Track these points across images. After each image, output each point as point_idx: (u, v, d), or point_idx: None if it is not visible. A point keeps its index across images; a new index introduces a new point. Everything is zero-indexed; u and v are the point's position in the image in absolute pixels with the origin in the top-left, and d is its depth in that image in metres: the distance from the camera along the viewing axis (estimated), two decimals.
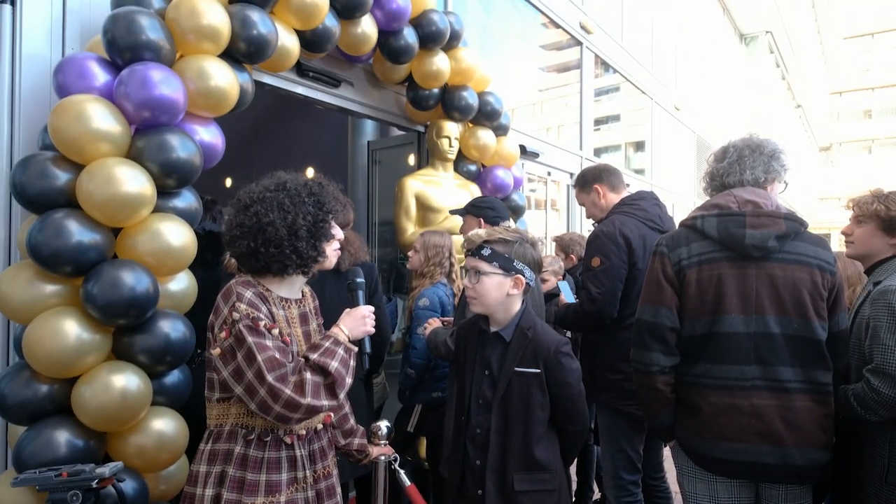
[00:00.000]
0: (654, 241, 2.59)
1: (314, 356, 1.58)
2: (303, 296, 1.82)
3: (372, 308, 1.82)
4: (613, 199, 2.83)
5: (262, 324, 1.55)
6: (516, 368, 1.92)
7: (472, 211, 3.00)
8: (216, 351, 1.56)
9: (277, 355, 1.52)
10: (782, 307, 1.88)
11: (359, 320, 1.75)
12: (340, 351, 1.63)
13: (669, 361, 1.97)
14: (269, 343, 1.54)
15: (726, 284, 1.91)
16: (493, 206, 3.00)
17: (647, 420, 2.20)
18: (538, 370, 1.91)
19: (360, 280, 1.89)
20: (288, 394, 1.49)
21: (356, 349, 1.70)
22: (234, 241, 1.64)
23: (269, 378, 1.48)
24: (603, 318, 2.69)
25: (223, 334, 1.55)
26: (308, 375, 1.54)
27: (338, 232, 1.78)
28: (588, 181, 2.90)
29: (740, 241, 1.90)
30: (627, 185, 3.00)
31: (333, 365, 1.58)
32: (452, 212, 3.28)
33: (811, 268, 1.91)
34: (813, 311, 1.89)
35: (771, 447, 1.85)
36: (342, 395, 1.59)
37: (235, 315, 1.53)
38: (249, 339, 1.51)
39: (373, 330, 1.78)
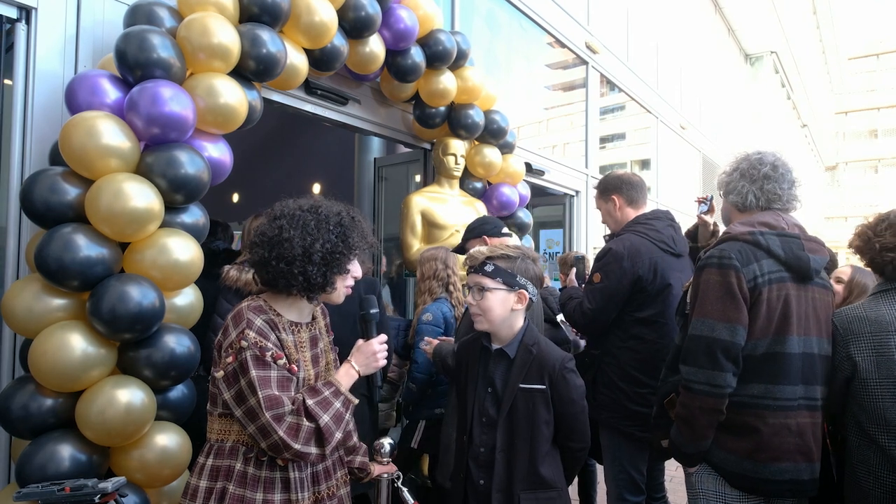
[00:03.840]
0: (666, 265, 2.58)
1: (311, 402, 1.58)
2: (313, 318, 1.82)
3: (384, 339, 1.82)
4: (630, 213, 2.79)
5: (268, 354, 1.56)
6: (521, 385, 1.90)
7: (472, 234, 2.89)
8: (220, 373, 1.56)
9: (277, 392, 1.53)
10: (819, 329, 1.97)
11: (370, 356, 1.76)
12: (337, 404, 1.62)
13: (735, 382, 1.89)
14: (273, 375, 1.55)
15: (792, 305, 1.91)
16: (486, 222, 2.92)
17: (688, 446, 1.96)
18: (543, 386, 1.90)
19: (375, 311, 1.87)
20: (280, 435, 1.50)
21: (356, 401, 1.68)
22: (253, 248, 1.66)
23: (266, 416, 1.50)
24: (589, 332, 2.76)
25: (230, 358, 1.55)
26: (305, 421, 1.54)
27: (355, 269, 1.77)
28: (608, 190, 2.85)
29: (806, 264, 1.93)
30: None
31: (324, 419, 1.57)
32: (455, 250, 3.11)
33: (829, 292, 2.04)
34: (830, 333, 2.02)
35: (807, 464, 1.92)
36: (329, 449, 1.58)
37: (244, 343, 1.54)
38: (253, 371, 1.52)
39: (384, 363, 1.78)
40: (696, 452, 1.97)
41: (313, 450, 1.55)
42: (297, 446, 1.52)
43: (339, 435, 1.60)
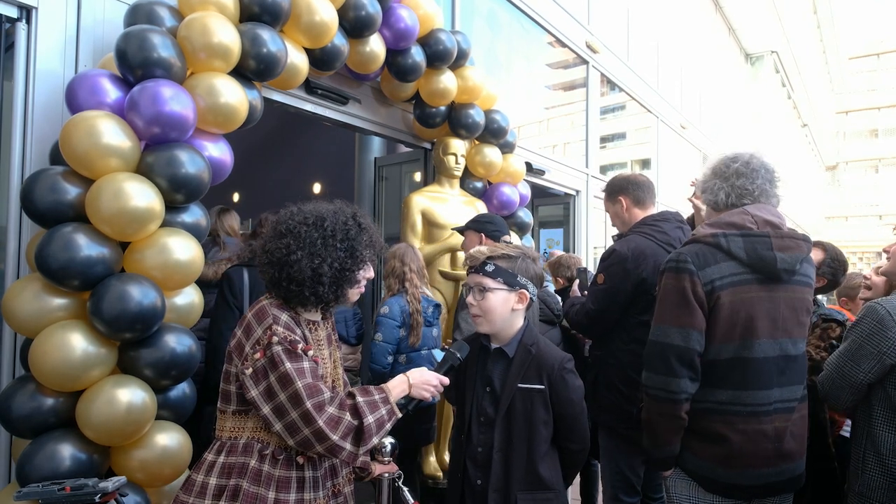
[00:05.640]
0: None
1: (361, 399, 1.58)
2: (323, 317, 1.82)
3: (447, 382, 1.83)
4: (637, 213, 2.76)
5: (299, 346, 1.56)
6: (519, 385, 1.90)
7: (474, 227, 3.05)
8: (249, 370, 1.55)
9: (313, 380, 1.53)
10: (798, 328, 1.92)
11: (426, 384, 1.76)
12: (383, 410, 1.62)
13: (694, 388, 1.86)
14: (306, 367, 1.55)
15: (757, 308, 1.84)
16: (492, 221, 3.06)
17: (654, 451, 1.97)
18: (542, 386, 1.89)
19: (458, 356, 1.92)
20: (320, 425, 1.49)
21: (399, 415, 1.68)
22: (264, 268, 1.65)
23: (308, 403, 1.49)
24: (591, 334, 2.77)
25: (257, 355, 1.55)
26: (347, 416, 1.54)
27: (368, 272, 1.77)
28: (614, 191, 2.83)
29: (772, 265, 1.85)
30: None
31: (369, 419, 1.56)
32: (454, 229, 3.35)
33: (809, 288, 1.97)
34: (806, 330, 1.97)
35: (787, 465, 1.88)
36: (362, 450, 1.58)
37: (274, 338, 1.54)
38: (288, 363, 1.52)
39: (429, 398, 1.78)
40: (664, 457, 1.94)
41: (348, 446, 1.54)
42: (334, 437, 1.51)
43: (375, 440, 1.60)
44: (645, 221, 2.72)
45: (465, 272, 3.16)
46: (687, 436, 1.91)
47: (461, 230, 3.17)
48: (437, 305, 3.42)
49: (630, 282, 2.55)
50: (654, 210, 2.81)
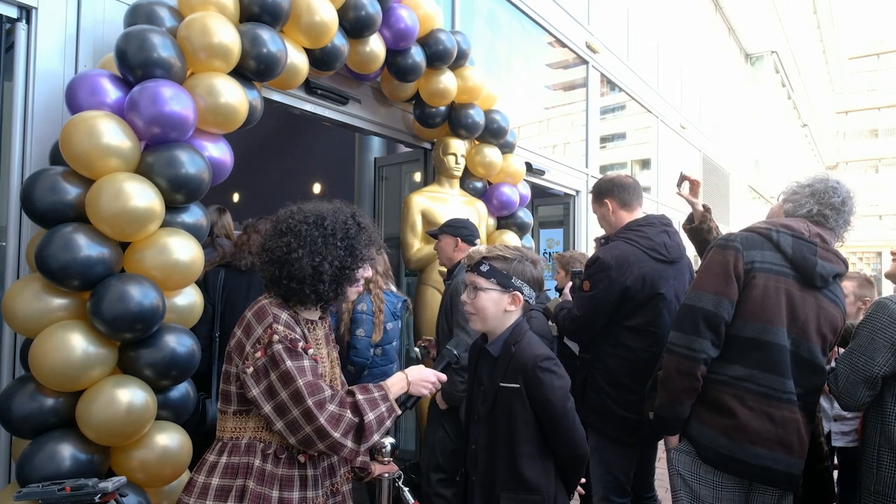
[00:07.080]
0: (656, 274, 2.59)
1: (360, 397, 1.60)
2: (321, 316, 1.83)
3: (444, 378, 1.86)
4: (624, 216, 2.75)
5: (299, 345, 1.58)
6: (501, 384, 1.90)
7: (449, 231, 3.18)
8: (250, 370, 1.56)
9: (314, 379, 1.55)
10: (818, 337, 2.03)
11: (424, 381, 1.79)
12: (383, 407, 1.63)
13: (714, 353, 2.01)
14: (306, 365, 1.56)
15: (786, 300, 2.00)
16: (466, 226, 3.19)
17: (664, 409, 2.08)
18: (518, 385, 1.88)
19: (455, 352, 1.98)
20: (321, 422, 1.51)
21: (398, 412, 1.69)
22: (264, 266, 1.67)
23: (309, 401, 1.51)
24: (577, 339, 2.84)
25: (258, 353, 1.56)
26: (348, 413, 1.56)
27: (365, 271, 1.78)
28: (600, 194, 2.82)
29: (812, 267, 2.00)
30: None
31: (369, 416, 1.58)
32: (428, 232, 3.49)
33: (840, 310, 2.09)
34: (827, 346, 2.09)
35: (786, 456, 1.96)
36: (363, 447, 1.59)
37: (275, 337, 1.55)
38: (288, 362, 1.53)
39: (427, 395, 1.81)
40: (673, 418, 2.07)
41: (349, 443, 1.55)
42: (336, 435, 1.52)
43: (376, 437, 1.61)
44: (630, 227, 2.70)
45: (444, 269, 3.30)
46: (697, 404, 2.05)
47: (435, 234, 3.28)
48: (405, 301, 3.62)
49: (614, 290, 2.56)
50: (640, 212, 2.80)
